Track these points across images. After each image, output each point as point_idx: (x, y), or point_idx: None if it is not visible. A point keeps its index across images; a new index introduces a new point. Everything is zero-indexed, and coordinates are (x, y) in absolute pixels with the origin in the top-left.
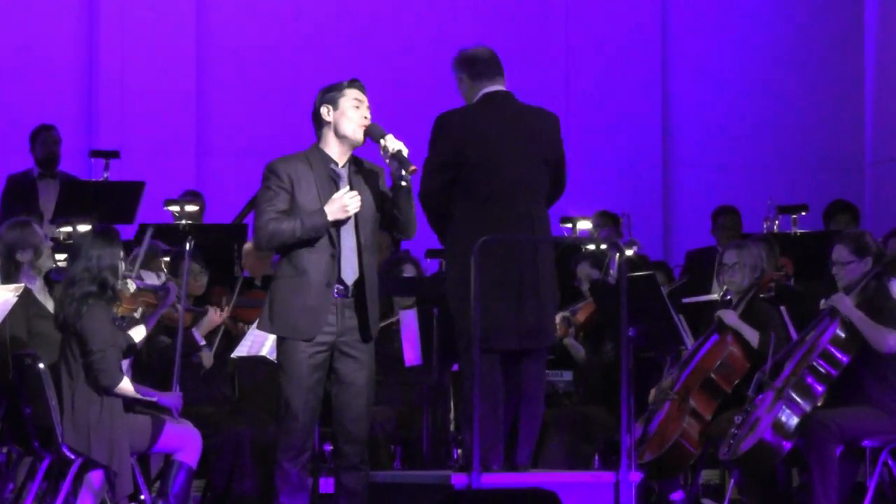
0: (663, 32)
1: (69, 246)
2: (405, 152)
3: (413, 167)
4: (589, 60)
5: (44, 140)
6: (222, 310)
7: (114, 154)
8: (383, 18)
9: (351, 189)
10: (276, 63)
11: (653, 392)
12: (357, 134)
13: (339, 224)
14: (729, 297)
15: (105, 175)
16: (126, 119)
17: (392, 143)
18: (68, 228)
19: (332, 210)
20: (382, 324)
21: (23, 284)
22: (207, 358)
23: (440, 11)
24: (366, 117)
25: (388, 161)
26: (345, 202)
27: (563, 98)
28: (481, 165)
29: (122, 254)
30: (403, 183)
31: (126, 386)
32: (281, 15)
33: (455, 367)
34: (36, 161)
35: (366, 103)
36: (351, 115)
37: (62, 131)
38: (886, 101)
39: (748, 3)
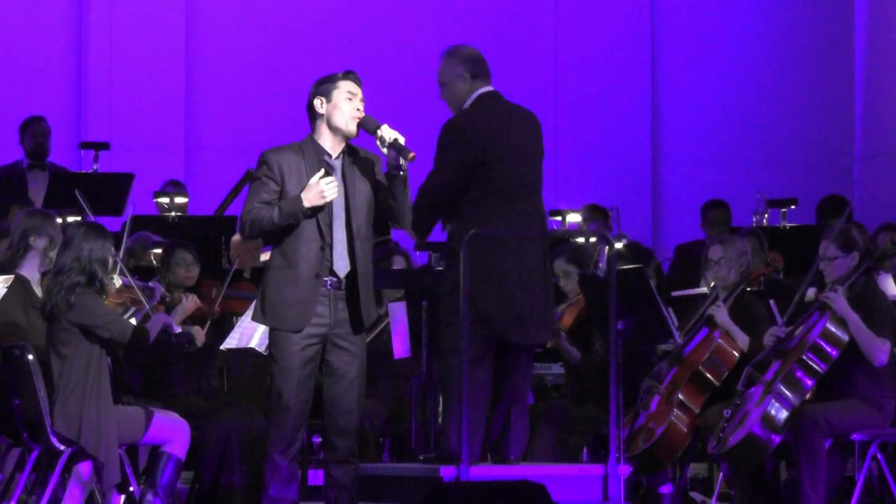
0: (653, 29)
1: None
2: (402, 140)
3: (412, 154)
4: (579, 56)
5: (33, 132)
6: (213, 300)
7: (104, 146)
8: (374, 17)
9: (345, 180)
10: (265, 57)
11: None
12: (350, 126)
13: (319, 209)
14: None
15: (94, 167)
16: (115, 111)
17: (388, 132)
18: (58, 220)
19: (309, 197)
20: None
21: (12, 276)
22: (200, 335)
23: (431, 12)
24: (358, 109)
25: (385, 151)
26: (322, 188)
27: (553, 92)
28: (495, 164)
29: (112, 249)
30: (402, 172)
31: (152, 330)
32: (271, 10)
33: None
34: (25, 152)
35: (359, 96)
36: (343, 107)
37: (52, 123)
38: (876, 95)
39: (738, 0)
